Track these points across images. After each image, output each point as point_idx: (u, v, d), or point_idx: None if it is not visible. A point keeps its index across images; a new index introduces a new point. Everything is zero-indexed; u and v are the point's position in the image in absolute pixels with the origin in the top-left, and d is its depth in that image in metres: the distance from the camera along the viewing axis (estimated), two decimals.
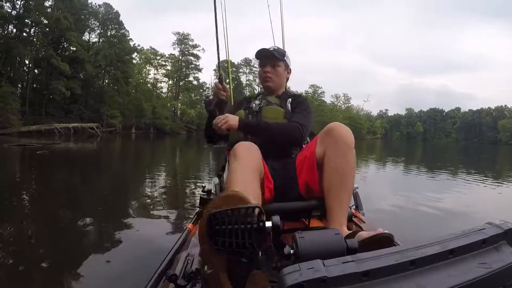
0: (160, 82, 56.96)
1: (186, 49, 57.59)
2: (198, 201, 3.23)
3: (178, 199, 4.22)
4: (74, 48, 34.31)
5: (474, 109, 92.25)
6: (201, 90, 61.57)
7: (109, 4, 41.74)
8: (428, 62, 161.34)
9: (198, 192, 4.24)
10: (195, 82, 59.80)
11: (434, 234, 2.19)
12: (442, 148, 34.11)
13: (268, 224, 0.79)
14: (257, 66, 1.93)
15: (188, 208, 3.66)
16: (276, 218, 0.82)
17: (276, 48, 1.86)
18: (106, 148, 15.58)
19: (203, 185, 1.96)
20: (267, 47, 1.84)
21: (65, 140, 17.92)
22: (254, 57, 1.86)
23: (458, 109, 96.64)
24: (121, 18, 41.88)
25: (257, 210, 0.79)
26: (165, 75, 56.41)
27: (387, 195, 4.87)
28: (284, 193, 1.42)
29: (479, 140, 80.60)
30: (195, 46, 58.01)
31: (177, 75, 57.09)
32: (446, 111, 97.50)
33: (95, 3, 41.17)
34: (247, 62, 66.71)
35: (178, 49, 57.48)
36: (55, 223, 3.01)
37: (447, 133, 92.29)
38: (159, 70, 55.93)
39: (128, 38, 43.22)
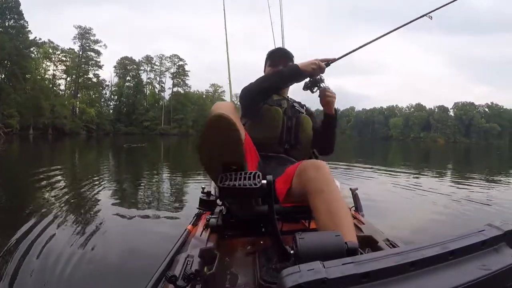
0: (59, 78, 55.29)
1: (87, 44, 57.20)
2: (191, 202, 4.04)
3: (173, 200, 4.54)
4: None
5: (368, 108, 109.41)
6: (101, 88, 61.61)
7: None
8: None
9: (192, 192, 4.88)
10: (94, 79, 59.46)
11: (430, 233, 3.24)
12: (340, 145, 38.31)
13: (263, 181, 1.03)
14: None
15: (187, 209, 3.85)
16: (270, 177, 1.05)
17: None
18: (28, 151, 15.55)
19: (202, 186, 1.85)
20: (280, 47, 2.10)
21: None
22: (267, 56, 2.02)
23: (352, 108, 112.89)
24: (21, 8, 40.14)
25: (256, 174, 1.04)
26: (64, 72, 54.96)
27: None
28: None
29: (372, 136, 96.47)
30: (96, 42, 58.07)
31: (76, 71, 55.94)
32: (341, 110, 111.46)
33: None
34: (148, 59, 68.76)
35: (79, 43, 56.72)
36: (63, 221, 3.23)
37: (342, 131, 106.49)
38: (58, 66, 54.43)
39: (27, 30, 41.91)
